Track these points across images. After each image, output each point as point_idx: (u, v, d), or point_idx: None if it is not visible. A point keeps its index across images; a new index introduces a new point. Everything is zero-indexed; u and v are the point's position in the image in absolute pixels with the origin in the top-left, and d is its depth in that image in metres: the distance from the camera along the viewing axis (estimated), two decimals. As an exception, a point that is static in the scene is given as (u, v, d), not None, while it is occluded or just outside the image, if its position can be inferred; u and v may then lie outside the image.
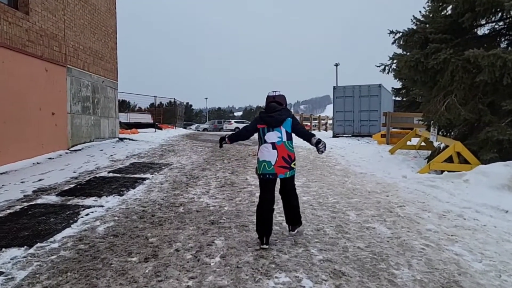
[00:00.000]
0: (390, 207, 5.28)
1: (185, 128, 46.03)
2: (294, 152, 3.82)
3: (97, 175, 7.34)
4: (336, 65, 48.09)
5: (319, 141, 3.70)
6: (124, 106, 44.51)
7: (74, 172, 7.66)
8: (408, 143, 11.21)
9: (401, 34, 10.31)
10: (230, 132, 4.99)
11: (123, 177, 7.25)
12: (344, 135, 20.16)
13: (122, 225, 4.42)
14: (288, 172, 3.75)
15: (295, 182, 4.06)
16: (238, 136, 4.06)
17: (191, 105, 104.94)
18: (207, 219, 4.65)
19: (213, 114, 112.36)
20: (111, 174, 7.50)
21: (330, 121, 37.37)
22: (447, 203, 5.53)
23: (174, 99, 22.90)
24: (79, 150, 10.47)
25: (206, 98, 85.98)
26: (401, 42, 10.47)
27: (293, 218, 4.02)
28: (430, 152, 10.73)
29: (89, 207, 5.17)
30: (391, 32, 10.36)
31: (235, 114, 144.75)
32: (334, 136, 20.36)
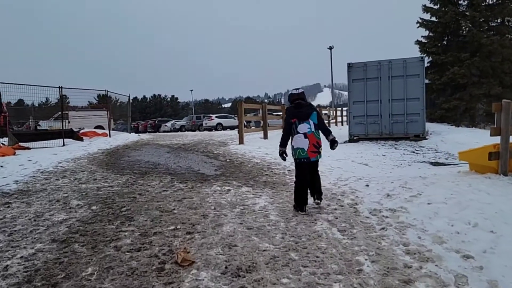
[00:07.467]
0: None
1: (156, 127, 37.60)
2: (321, 139, 4.55)
3: None
4: (330, 48, 40.72)
5: (334, 141, 4.50)
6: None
7: None
8: None
9: None
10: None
11: None
12: (366, 139, 13.01)
13: None
14: (318, 156, 4.54)
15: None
16: (285, 139, 4.66)
17: (176, 98, 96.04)
18: None
19: (201, 107, 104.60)
20: None
21: (333, 113, 30.18)
22: None
23: (106, 90, 14.40)
24: None
25: (191, 90, 77.50)
26: None
27: (317, 192, 4.63)
28: None
29: None
30: None
31: (224, 106, 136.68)
32: (350, 140, 13.19)
